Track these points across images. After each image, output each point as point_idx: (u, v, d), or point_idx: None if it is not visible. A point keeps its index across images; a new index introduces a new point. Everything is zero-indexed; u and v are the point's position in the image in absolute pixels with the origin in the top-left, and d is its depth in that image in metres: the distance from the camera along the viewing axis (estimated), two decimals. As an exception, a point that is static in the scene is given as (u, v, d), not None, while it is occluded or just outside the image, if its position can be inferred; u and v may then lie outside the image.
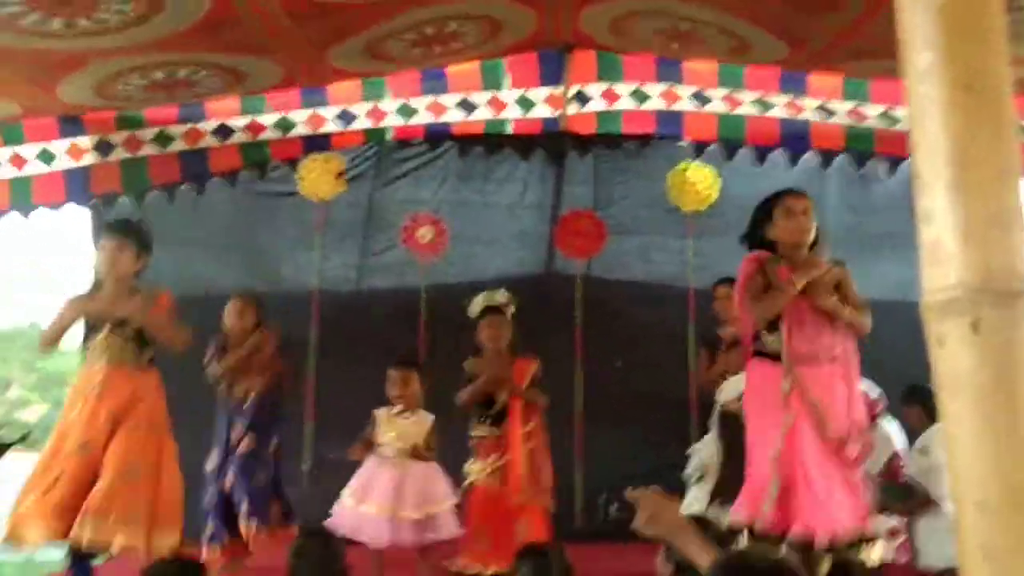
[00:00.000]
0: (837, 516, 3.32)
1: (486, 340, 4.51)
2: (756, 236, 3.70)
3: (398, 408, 4.25)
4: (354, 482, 4.15)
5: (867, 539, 3.39)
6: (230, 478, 4.29)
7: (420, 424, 4.27)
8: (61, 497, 3.66)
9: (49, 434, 3.90)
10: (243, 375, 4.43)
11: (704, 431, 4.85)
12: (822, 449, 3.41)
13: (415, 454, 4.18)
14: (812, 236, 3.64)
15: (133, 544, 3.65)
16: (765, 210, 3.68)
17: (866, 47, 4.03)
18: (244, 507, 4.23)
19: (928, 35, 1.01)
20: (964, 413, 0.98)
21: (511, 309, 4.69)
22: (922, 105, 1.02)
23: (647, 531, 2.09)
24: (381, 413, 4.25)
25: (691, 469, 4.62)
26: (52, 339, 3.99)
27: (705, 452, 4.53)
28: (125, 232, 4.02)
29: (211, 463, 4.38)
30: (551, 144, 5.77)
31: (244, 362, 4.43)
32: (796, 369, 3.49)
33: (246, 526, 4.22)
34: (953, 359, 1.00)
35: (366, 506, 3.99)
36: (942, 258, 0.99)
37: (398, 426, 4.23)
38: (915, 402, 4.79)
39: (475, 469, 4.42)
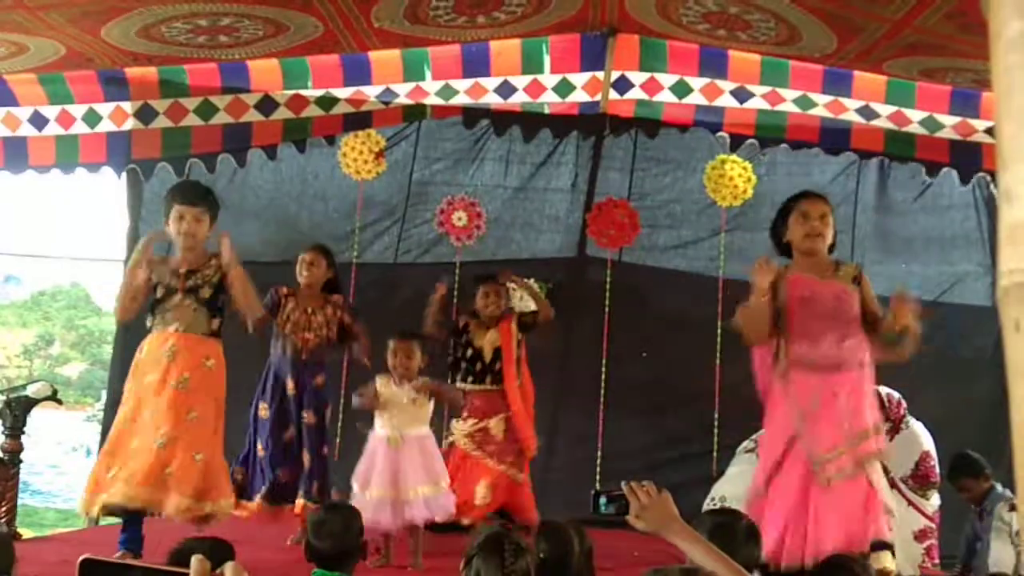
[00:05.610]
0: (826, 535, 3.21)
1: (480, 308, 4.86)
2: (776, 238, 3.63)
3: (395, 378, 4.27)
4: (359, 466, 4.21)
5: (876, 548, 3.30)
6: (308, 454, 4.39)
7: (410, 392, 4.28)
8: (140, 467, 3.66)
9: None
10: (307, 331, 4.47)
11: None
12: (806, 463, 3.33)
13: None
14: (828, 242, 3.53)
15: (190, 509, 3.69)
16: (783, 212, 3.59)
17: (917, 41, 3.95)
18: (314, 483, 4.37)
19: (1019, 2, 0.97)
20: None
21: (535, 290, 4.77)
22: (1009, 77, 0.97)
23: (639, 524, 2.08)
24: (381, 380, 4.27)
25: None
26: (129, 305, 3.94)
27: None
28: (204, 200, 3.99)
29: (265, 412, 4.44)
30: (589, 127, 5.73)
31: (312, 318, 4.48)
32: (792, 375, 3.42)
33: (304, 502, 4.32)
34: (1029, 344, 0.96)
35: (371, 491, 4.05)
36: (1022, 239, 0.96)
37: (391, 394, 4.25)
38: None
39: (456, 428, 4.75)
